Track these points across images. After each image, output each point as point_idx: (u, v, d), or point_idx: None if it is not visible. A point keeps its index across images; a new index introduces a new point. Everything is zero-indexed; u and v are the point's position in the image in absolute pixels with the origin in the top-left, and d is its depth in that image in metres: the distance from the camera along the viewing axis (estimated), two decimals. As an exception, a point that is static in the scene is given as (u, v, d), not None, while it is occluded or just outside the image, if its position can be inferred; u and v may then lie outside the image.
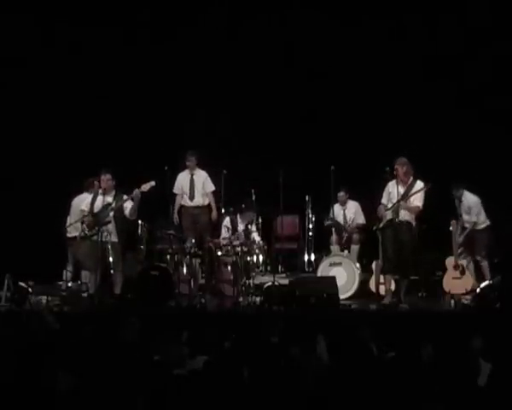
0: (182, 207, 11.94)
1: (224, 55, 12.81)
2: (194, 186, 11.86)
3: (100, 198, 10.58)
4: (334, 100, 12.59)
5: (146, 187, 10.44)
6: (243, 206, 11.38)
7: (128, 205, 10.50)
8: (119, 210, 10.50)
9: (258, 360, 6.22)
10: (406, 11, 12.45)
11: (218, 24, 12.80)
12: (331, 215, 11.92)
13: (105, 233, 10.33)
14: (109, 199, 10.54)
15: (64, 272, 11.22)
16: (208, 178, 11.90)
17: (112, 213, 10.47)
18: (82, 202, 10.87)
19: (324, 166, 11.81)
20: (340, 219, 11.96)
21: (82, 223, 10.54)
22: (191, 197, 11.86)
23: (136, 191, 10.38)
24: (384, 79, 12.46)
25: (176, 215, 11.88)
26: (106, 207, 10.47)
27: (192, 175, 11.88)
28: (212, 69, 12.75)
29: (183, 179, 11.91)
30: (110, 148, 12.45)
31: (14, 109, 12.68)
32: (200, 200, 11.87)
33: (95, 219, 10.44)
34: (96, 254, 10.31)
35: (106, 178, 10.56)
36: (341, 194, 11.95)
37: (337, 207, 12.03)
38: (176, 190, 11.93)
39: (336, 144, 12.18)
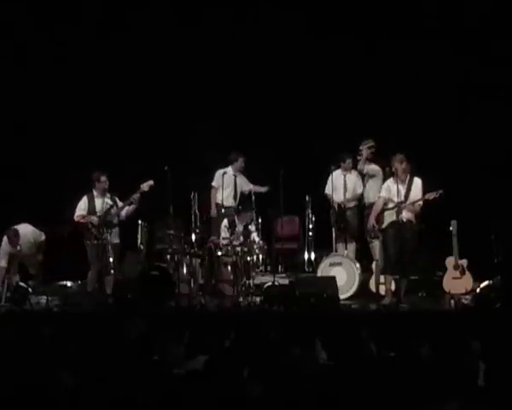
0: (220, 206, 11.86)
1: (224, 56, 12.80)
2: (237, 186, 11.96)
3: (99, 200, 10.59)
4: (334, 100, 12.58)
5: (145, 187, 10.49)
6: (240, 207, 11.37)
7: (127, 207, 10.55)
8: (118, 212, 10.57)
9: (258, 360, 6.22)
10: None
11: (220, 24, 12.79)
12: (328, 184, 11.73)
13: (112, 234, 10.43)
14: (108, 201, 10.56)
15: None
16: (246, 179, 12.02)
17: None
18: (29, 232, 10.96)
19: (324, 167, 11.82)
20: (340, 184, 11.61)
21: (88, 225, 10.52)
22: (235, 197, 11.92)
23: (137, 195, 10.45)
24: (383, 80, 12.47)
25: (214, 210, 11.78)
26: (109, 208, 10.51)
27: (235, 176, 11.92)
28: (213, 70, 12.73)
29: (228, 178, 11.87)
30: (109, 148, 12.46)
31: (15, 109, 12.70)
32: (238, 200, 11.98)
33: (102, 221, 10.45)
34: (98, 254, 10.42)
35: (104, 179, 10.59)
36: (348, 161, 11.63)
37: (337, 174, 11.69)
38: (216, 183, 11.89)
39: (336, 144, 12.17)
